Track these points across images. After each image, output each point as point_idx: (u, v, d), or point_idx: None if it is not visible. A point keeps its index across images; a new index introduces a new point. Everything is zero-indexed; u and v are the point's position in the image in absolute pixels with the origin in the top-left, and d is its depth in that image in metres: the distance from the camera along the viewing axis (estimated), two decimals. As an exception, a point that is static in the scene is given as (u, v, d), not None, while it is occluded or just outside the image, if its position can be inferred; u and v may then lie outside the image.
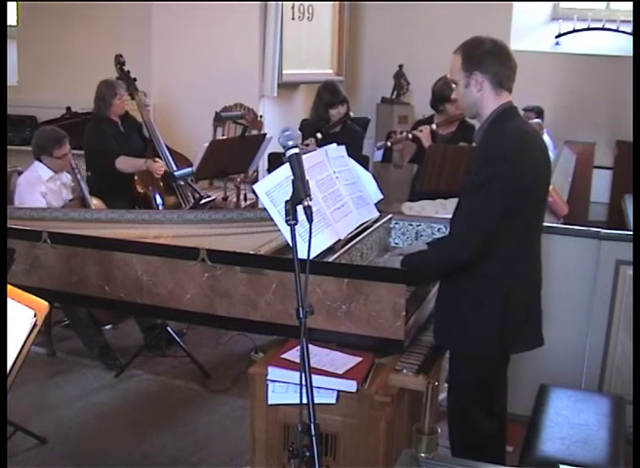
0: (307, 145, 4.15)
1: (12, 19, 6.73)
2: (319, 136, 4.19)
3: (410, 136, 4.17)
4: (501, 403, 2.55)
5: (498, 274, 2.29)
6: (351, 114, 4.40)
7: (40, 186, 4.12)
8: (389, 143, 4.24)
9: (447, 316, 2.39)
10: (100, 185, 4.55)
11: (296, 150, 1.90)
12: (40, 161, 4.16)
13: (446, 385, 3.34)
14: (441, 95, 4.11)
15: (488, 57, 2.28)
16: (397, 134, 4.28)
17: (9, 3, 5.84)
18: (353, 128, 4.43)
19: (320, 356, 2.31)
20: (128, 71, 4.92)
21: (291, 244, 1.82)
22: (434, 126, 4.13)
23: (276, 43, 6.06)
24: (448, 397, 2.50)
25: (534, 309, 2.43)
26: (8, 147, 4.88)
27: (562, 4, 7.46)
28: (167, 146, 4.83)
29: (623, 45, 6.82)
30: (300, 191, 1.84)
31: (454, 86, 2.45)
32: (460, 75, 2.33)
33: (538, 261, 2.43)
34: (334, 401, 2.21)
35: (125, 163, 4.55)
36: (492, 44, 2.30)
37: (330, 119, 4.30)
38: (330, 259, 2.46)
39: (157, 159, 4.61)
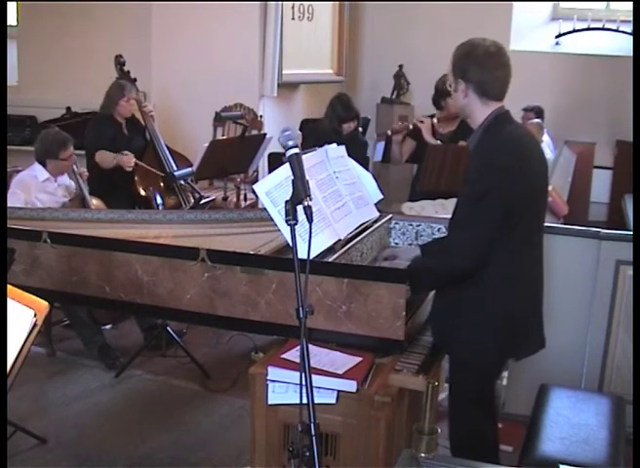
0: None
1: (12, 19, 6.72)
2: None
3: (411, 126, 4.20)
4: (495, 405, 2.55)
5: (498, 279, 2.28)
6: (360, 129, 4.44)
7: (30, 190, 4.09)
8: (389, 132, 4.27)
9: (445, 320, 2.38)
10: (100, 185, 4.55)
11: (296, 150, 1.90)
12: (42, 163, 4.17)
13: (446, 385, 3.34)
14: (443, 90, 4.11)
15: (473, 65, 2.25)
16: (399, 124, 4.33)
17: (9, 3, 5.84)
18: (362, 139, 4.47)
19: (320, 356, 2.31)
20: (128, 71, 4.93)
21: (291, 244, 1.82)
22: (435, 120, 4.15)
23: (276, 43, 6.06)
24: (449, 399, 2.49)
25: (535, 314, 2.42)
26: (8, 147, 4.88)
27: (562, 4, 7.47)
28: (167, 146, 4.83)
29: (623, 45, 6.82)
30: (300, 191, 1.84)
31: (450, 88, 2.46)
32: (451, 79, 2.34)
33: (539, 266, 2.42)
34: (334, 401, 2.21)
35: (100, 156, 4.54)
36: (483, 51, 2.25)
37: (342, 132, 4.35)
38: (330, 259, 2.46)
39: (126, 152, 4.54)
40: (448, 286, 2.36)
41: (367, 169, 3.53)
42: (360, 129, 4.45)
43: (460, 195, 2.33)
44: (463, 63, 2.28)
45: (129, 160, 4.52)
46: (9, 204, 3.90)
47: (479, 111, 2.30)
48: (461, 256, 2.27)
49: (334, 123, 4.39)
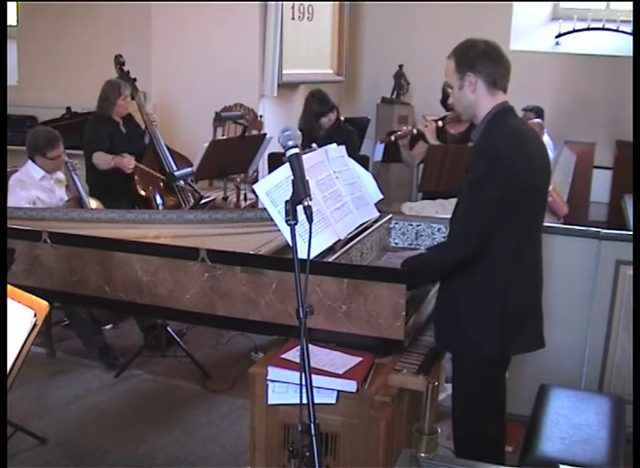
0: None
1: (12, 19, 6.73)
2: (314, 146, 4.18)
3: (415, 130, 4.18)
4: (502, 403, 2.55)
5: (496, 274, 2.28)
6: (342, 118, 4.42)
7: (28, 188, 4.10)
8: (393, 138, 4.25)
9: (447, 317, 2.38)
10: (100, 185, 4.55)
11: (296, 150, 1.90)
12: (33, 161, 4.17)
13: (446, 385, 3.34)
14: None
15: (480, 57, 2.30)
16: (403, 129, 4.30)
17: (9, 3, 5.84)
18: (346, 128, 4.44)
19: (320, 356, 2.31)
20: (128, 71, 4.93)
21: (291, 244, 1.82)
22: (440, 122, 4.13)
23: (276, 43, 6.07)
24: (452, 400, 2.49)
25: (533, 310, 2.42)
26: (8, 147, 4.88)
27: (562, 4, 7.47)
28: (167, 146, 4.83)
29: (623, 45, 6.83)
30: (300, 191, 1.84)
31: (449, 90, 2.46)
32: (454, 78, 2.35)
33: (538, 262, 2.42)
34: (334, 401, 2.21)
35: (98, 158, 4.52)
36: (484, 45, 2.32)
37: (321, 127, 4.32)
38: (330, 259, 2.46)
39: (125, 154, 4.50)
40: (447, 281, 2.36)
41: (367, 168, 3.54)
42: (342, 118, 4.42)
43: (461, 188, 2.33)
44: (470, 58, 2.30)
45: (128, 162, 4.48)
46: (12, 203, 3.91)
47: (486, 104, 2.31)
48: (459, 244, 2.29)
49: (310, 120, 4.34)
